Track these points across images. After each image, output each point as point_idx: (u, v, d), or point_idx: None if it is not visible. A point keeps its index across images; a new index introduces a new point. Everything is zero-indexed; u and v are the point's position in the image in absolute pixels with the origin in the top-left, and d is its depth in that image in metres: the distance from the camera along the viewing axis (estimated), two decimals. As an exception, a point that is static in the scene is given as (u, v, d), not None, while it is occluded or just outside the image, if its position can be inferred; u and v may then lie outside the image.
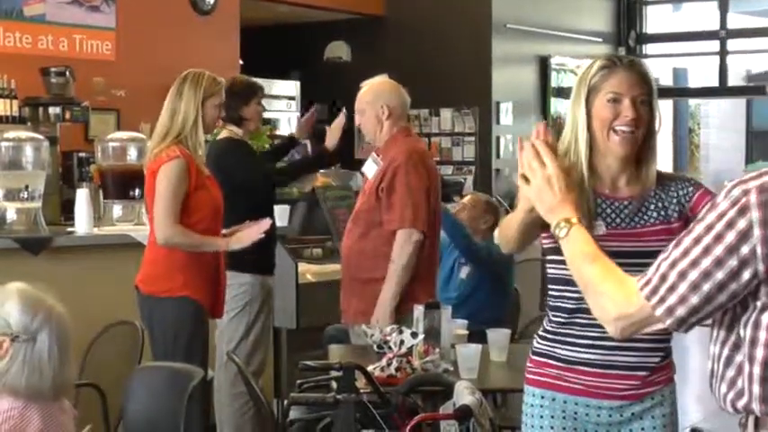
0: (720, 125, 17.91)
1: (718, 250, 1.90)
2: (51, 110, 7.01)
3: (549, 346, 2.82)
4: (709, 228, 1.92)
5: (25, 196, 5.57)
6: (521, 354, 4.37)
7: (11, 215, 5.58)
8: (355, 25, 10.66)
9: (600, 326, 2.67)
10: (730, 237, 1.89)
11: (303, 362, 3.58)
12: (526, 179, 2.31)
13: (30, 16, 7.90)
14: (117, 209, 6.07)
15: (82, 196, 5.74)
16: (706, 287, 1.92)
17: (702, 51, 12.45)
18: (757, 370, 1.94)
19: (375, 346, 4.06)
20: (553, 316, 2.83)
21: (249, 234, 4.66)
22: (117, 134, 6.48)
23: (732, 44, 11.44)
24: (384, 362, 3.87)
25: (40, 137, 5.87)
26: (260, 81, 5.89)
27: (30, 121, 6.99)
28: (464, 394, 2.94)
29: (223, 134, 5.53)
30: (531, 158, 2.30)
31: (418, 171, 4.65)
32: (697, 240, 1.94)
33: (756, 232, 1.88)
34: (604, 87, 2.75)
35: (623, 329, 2.07)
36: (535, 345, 2.87)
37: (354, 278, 4.73)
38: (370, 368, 3.69)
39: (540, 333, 2.87)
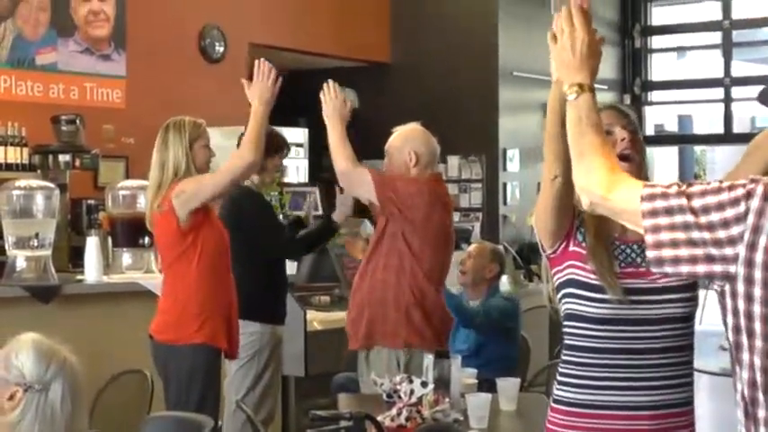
0: (726, 171, 17.92)
1: (715, 217, 1.95)
2: (61, 157, 7.07)
3: (571, 391, 2.72)
4: (719, 190, 1.97)
5: (35, 244, 5.59)
6: (530, 403, 4.39)
7: (20, 263, 5.60)
8: (362, 73, 10.72)
9: (626, 366, 2.68)
10: (729, 213, 1.94)
11: (313, 411, 3.57)
12: (555, 39, 2.36)
13: (42, 65, 7.98)
14: (126, 257, 6.09)
15: (92, 244, 5.77)
16: (694, 234, 1.96)
17: (707, 99, 12.51)
18: (747, 390, 1.97)
19: (385, 396, 4.05)
20: (569, 356, 2.74)
21: (260, 84, 4.74)
22: (127, 182, 6.52)
23: (736, 92, 11.50)
24: (394, 411, 3.86)
25: (51, 185, 5.91)
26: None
27: (39, 169, 7.03)
28: (475, 445, 2.94)
29: None
30: (563, 19, 2.35)
31: (427, 191, 4.69)
32: (703, 194, 1.98)
33: (750, 220, 1.93)
34: None
35: (596, 207, 2.14)
36: (555, 392, 2.77)
37: (367, 299, 4.72)
38: (380, 417, 3.68)
39: (559, 378, 2.77)
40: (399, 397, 3.95)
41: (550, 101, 2.65)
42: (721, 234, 1.95)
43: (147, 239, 5.91)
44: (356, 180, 4.66)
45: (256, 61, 4.79)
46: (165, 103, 7.96)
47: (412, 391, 3.93)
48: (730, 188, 1.97)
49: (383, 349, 4.69)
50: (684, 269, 1.99)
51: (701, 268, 1.98)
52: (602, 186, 2.11)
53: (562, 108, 2.52)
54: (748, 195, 1.94)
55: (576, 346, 2.73)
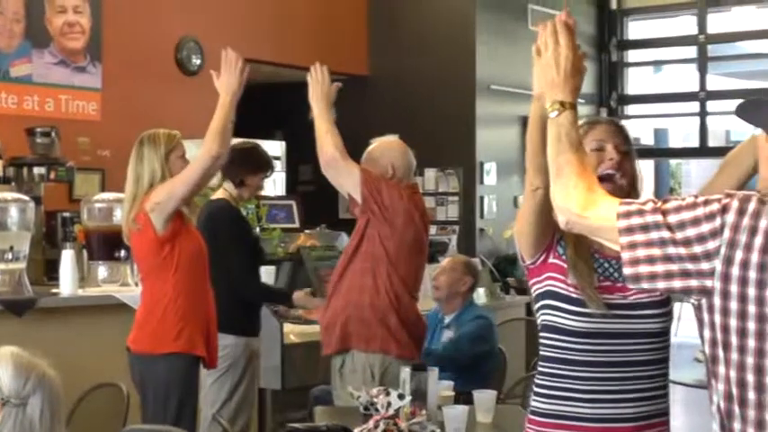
0: (701, 184, 18.00)
1: (691, 232, 1.97)
2: (36, 170, 7.02)
3: (547, 402, 2.74)
4: (694, 206, 1.99)
5: (10, 257, 5.55)
6: (507, 415, 4.40)
7: (-5, 276, 5.57)
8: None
9: (602, 379, 2.69)
10: (705, 228, 1.96)
11: (290, 424, 3.57)
12: (539, 53, 2.36)
13: (16, 77, 7.94)
14: (102, 269, 6.06)
15: (67, 257, 5.73)
16: (670, 249, 1.98)
17: (683, 112, 12.58)
18: (722, 403, 1.99)
19: (362, 408, 4.05)
20: (545, 367, 2.76)
21: (228, 76, 4.70)
22: (103, 195, 6.49)
23: (712, 105, 11.57)
24: (371, 424, 3.85)
25: (26, 198, 5.87)
26: (248, 141, 5.95)
27: (14, 181, 6.99)
28: (452, 457, 2.93)
29: (219, 194, 5.56)
30: (548, 34, 2.35)
31: (407, 196, 4.68)
32: (678, 210, 2.00)
33: (726, 234, 1.95)
34: (587, 140, 2.77)
35: (573, 225, 2.16)
36: (532, 403, 2.79)
37: (343, 302, 4.70)
38: (356, 430, 3.68)
39: (536, 389, 2.79)
40: (376, 409, 3.95)
41: (532, 115, 2.66)
42: (697, 249, 1.96)
43: (123, 252, 5.88)
44: (343, 171, 4.62)
45: (223, 51, 4.78)
46: (141, 116, 7.96)
47: (389, 404, 3.93)
48: (705, 203, 1.98)
49: (358, 355, 4.66)
50: (661, 285, 2.00)
51: (677, 284, 1.99)
52: (579, 205, 2.12)
53: (544, 122, 2.52)
54: (724, 210, 1.96)
55: (553, 357, 2.74)
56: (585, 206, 2.11)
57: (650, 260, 1.99)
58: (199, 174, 4.57)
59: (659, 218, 1.99)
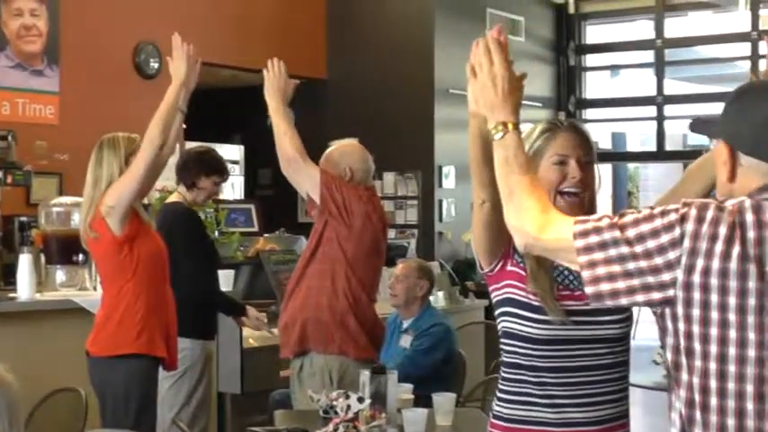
0: (659, 187, 18.20)
1: (651, 244, 1.98)
2: (-8, 174, 6.96)
3: (509, 407, 2.75)
4: (651, 217, 2.00)
5: (-34, 262, 5.52)
6: (466, 418, 4.41)
7: (-49, 281, 5.52)
8: (298, 89, 10.70)
9: (563, 384, 2.70)
10: (664, 238, 1.97)
11: (250, 428, 3.56)
12: (474, 74, 2.33)
13: (-29, 81, 7.88)
14: (60, 274, 6.03)
15: (24, 261, 5.69)
16: (630, 265, 1.99)
17: (640, 116, 12.67)
18: (684, 409, 2.00)
19: (321, 411, 4.05)
20: (507, 373, 2.77)
21: (177, 62, 4.69)
22: (61, 199, 6.46)
23: (669, 110, 11.67)
24: (331, 427, 3.86)
25: (-17, 202, 5.83)
26: (203, 145, 5.94)
27: (-30, 186, 6.93)
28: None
29: (173, 197, 5.54)
30: (481, 54, 2.31)
31: (366, 198, 4.68)
32: (636, 223, 2.01)
33: (686, 243, 1.96)
34: (548, 150, 2.76)
35: (531, 248, 2.17)
36: (495, 408, 2.79)
37: (301, 304, 4.67)
38: (316, 434, 3.68)
39: (498, 394, 2.79)
40: (336, 413, 3.96)
41: (471, 131, 2.63)
42: (658, 260, 1.97)
43: (81, 256, 5.85)
44: (303, 172, 4.59)
45: (172, 37, 4.76)
46: (99, 120, 7.89)
47: (348, 407, 3.94)
48: (663, 214, 1.99)
49: (317, 358, 4.65)
50: (624, 301, 2.01)
51: (640, 298, 2.00)
52: (535, 227, 2.11)
53: (483, 138, 2.53)
54: (682, 219, 1.97)
55: (514, 363, 2.75)
56: (541, 228, 2.10)
57: (611, 277, 2.00)
58: (145, 164, 4.51)
59: (617, 234, 2.00)
